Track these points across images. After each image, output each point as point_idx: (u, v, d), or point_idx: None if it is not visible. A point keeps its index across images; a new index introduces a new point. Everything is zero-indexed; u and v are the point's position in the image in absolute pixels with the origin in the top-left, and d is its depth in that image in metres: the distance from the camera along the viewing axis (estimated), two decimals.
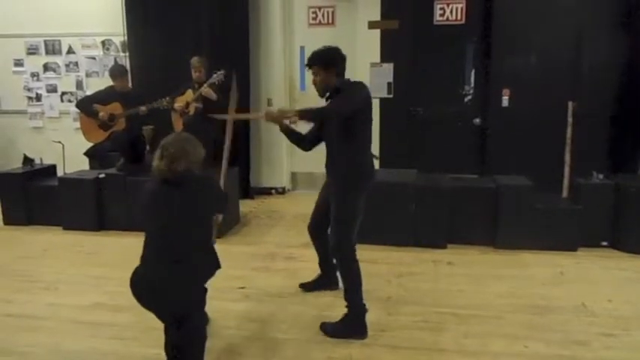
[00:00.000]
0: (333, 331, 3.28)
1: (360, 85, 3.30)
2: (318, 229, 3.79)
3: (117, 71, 5.75)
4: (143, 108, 5.49)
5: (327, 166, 3.45)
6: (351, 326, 3.27)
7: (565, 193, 5.32)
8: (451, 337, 3.24)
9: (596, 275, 4.22)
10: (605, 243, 4.77)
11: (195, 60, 5.67)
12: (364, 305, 3.30)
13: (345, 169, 3.29)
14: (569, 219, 4.71)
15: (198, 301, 2.78)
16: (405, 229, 4.67)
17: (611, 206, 4.72)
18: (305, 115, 3.25)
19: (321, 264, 3.91)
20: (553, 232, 4.69)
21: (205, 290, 2.82)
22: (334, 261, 3.52)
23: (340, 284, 3.48)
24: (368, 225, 4.70)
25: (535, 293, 3.85)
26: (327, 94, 3.31)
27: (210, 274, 2.81)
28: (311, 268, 4.36)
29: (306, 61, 3.35)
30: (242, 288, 3.99)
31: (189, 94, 5.59)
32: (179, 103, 5.61)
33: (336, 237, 3.32)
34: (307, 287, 3.94)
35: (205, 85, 5.41)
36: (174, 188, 2.72)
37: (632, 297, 3.80)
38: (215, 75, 5.48)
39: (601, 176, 4.85)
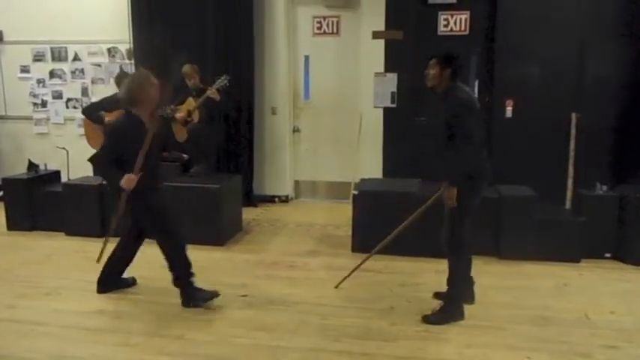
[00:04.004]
0: (437, 319, 3.52)
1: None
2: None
3: (119, 79, 5.79)
4: None
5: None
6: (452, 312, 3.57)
7: (568, 205, 5.32)
8: (454, 348, 3.24)
9: (599, 287, 4.21)
10: (608, 255, 4.76)
11: (187, 67, 5.69)
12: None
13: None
14: (573, 230, 4.71)
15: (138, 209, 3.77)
16: (408, 239, 4.66)
17: (615, 218, 4.72)
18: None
19: None
20: (556, 244, 4.69)
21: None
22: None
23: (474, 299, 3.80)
24: (370, 235, 4.74)
25: (538, 304, 3.84)
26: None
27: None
28: (313, 276, 4.37)
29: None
30: (244, 296, 3.99)
31: (190, 102, 5.61)
32: (181, 113, 5.62)
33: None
34: (441, 296, 3.86)
35: (211, 88, 5.45)
36: None
37: (635, 309, 3.79)
38: (219, 80, 5.51)
39: (604, 187, 4.85)
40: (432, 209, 3.92)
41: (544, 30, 5.92)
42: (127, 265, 4.11)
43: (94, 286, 4.17)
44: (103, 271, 4.05)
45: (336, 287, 4.13)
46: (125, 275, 4.16)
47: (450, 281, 3.64)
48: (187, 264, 3.79)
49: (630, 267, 4.63)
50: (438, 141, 3.61)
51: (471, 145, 3.38)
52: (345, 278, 4.15)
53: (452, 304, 3.58)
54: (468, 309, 3.65)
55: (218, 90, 5.49)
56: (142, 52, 6.79)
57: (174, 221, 3.85)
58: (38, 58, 7.31)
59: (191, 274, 3.80)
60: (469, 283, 3.80)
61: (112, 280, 4.08)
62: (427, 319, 3.55)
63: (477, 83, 6.40)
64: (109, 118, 5.63)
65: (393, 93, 6.49)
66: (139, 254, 4.10)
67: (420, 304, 3.84)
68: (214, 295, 3.78)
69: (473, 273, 3.76)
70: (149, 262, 4.79)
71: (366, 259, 4.18)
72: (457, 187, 3.43)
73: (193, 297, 3.77)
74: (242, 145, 6.69)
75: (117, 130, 3.74)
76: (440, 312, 3.58)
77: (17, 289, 4.17)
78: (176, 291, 4.04)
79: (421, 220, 4.05)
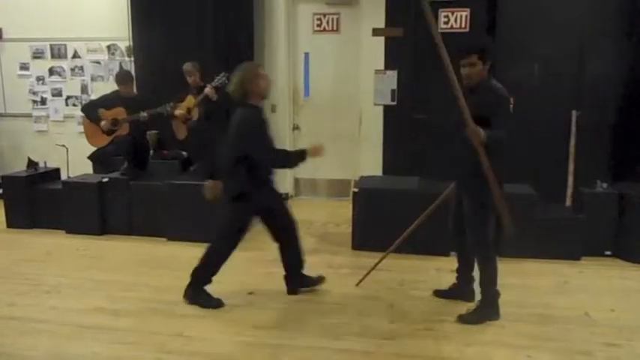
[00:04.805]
0: (472, 319, 3.48)
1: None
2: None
3: (122, 77, 5.78)
4: (144, 114, 5.50)
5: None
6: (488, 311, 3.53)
7: (568, 202, 5.31)
8: (454, 346, 3.23)
9: (599, 285, 4.21)
10: (608, 252, 4.76)
11: (188, 65, 5.68)
12: (498, 290, 3.53)
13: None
14: (573, 228, 4.70)
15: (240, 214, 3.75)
16: (408, 237, 4.67)
17: (615, 215, 4.72)
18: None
19: (459, 273, 3.86)
20: (556, 241, 4.68)
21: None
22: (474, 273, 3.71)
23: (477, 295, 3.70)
24: (370, 233, 4.74)
25: (538, 302, 3.84)
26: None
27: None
28: (313, 274, 4.35)
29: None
30: (251, 293, 3.98)
31: (190, 100, 5.61)
32: (180, 110, 5.62)
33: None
34: (441, 294, 3.89)
35: (210, 86, 5.43)
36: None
37: (635, 307, 3.79)
38: (218, 77, 5.50)
39: (605, 185, 4.85)
40: (442, 206, 3.90)
41: (544, 27, 5.89)
42: (300, 259, 4.04)
43: (94, 284, 4.19)
44: (286, 274, 4.04)
45: (357, 285, 4.14)
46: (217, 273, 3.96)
47: (482, 282, 3.56)
48: (216, 271, 3.79)
49: (630, 265, 4.62)
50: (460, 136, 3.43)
51: (504, 139, 3.27)
52: (366, 275, 4.15)
53: (487, 304, 3.53)
54: (466, 306, 3.66)
55: (217, 88, 5.48)
56: (141, 49, 6.78)
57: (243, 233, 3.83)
58: (37, 55, 7.30)
59: (210, 280, 3.80)
60: (469, 281, 3.79)
61: (296, 279, 4.03)
62: (462, 319, 3.52)
63: None
64: (104, 119, 5.60)
65: (393, 90, 6.47)
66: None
67: (420, 302, 3.84)
68: (219, 304, 3.77)
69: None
70: (148, 260, 4.80)
71: (385, 255, 4.15)
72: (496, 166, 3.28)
73: (199, 297, 3.77)
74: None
75: (257, 121, 3.63)
76: (475, 311, 3.55)
77: (17, 286, 4.17)
78: (175, 289, 4.04)
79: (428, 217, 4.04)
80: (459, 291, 3.83)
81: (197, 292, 3.78)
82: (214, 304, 3.75)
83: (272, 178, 3.81)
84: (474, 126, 3.17)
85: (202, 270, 3.78)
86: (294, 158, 3.75)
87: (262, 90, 3.65)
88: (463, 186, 3.58)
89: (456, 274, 3.87)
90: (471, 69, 3.35)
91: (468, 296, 3.77)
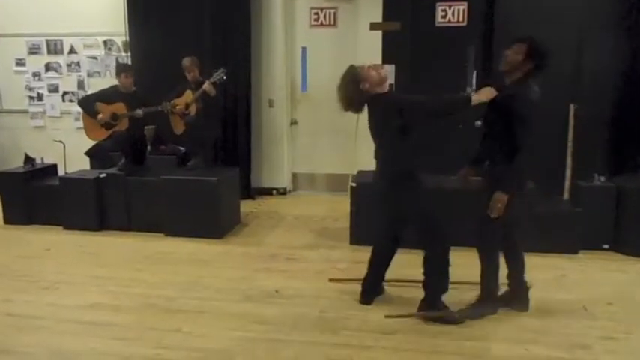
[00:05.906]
0: (470, 313, 3.48)
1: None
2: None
3: (123, 66, 5.77)
4: (139, 112, 5.47)
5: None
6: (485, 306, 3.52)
7: (566, 196, 5.31)
8: (452, 340, 3.24)
9: (597, 278, 4.21)
10: (606, 246, 4.76)
11: (186, 60, 5.65)
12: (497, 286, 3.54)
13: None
14: (571, 221, 4.71)
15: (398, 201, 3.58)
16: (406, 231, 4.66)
17: (612, 209, 4.72)
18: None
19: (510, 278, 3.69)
20: (554, 235, 4.68)
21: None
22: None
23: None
24: (369, 227, 4.73)
25: (536, 296, 3.82)
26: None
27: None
28: (311, 269, 4.36)
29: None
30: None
31: (188, 95, 5.58)
32: (179, 105, 5.60)
33: None
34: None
35: (208, 82, 5.40)
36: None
37: (633, 300, 3.80)
38: (216, 73, 5.48)
39: (602, 179, 4.85)
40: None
41: (543, 21, 5.88)
42: (386, 270, 3.86)
43: (92, 280, 4.18)
44: (366, 280, 3.83)
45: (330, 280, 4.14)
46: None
47: (482, 276, 3.53)
48: (446, 283, 3.49)
49: (628, 258, 4.63)
50: (491, 136, 3.47)
51: (528, 150, 3.21)
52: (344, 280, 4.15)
53: (485, 299, 3.53)
54: (465, 301, 3.66)
55: (215, 83, 5.45)
56: (138, 44, 6.75)
57: (441, 222, 3.56)
58: (34, 51, 7.27)
59: (444, 290, 3.51)
60: (522, 287, 3.65)
61: (375, 288, 3.86)
62: (460, 314, 3.51)
63: (475, 75, 6.36)
64: (102, 114, 5.56)
65: (390, 85, 6.44)
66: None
67: (417, 297, 3.83)
68: (455, 319, 3.45)
69: (470, 265, 3.72)
70: (146, 255, 4.80)
71: None
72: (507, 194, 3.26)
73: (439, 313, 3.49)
74: (239, 137, 6.67)
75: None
76: (473, 306, 3.55)
77: (15, 283, 4.16)
78: (174, 284, 4.05)
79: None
80: (512, 298, 3.64)
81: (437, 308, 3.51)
82: (452, 318, 3.46)
83: None
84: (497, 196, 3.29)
85: (430, 292, 3.54)
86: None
87: None
88: (491, 179, 3.48)
89: (507, 281, 3.69)
90: (509, 52, 3.30)
91: (522, 304, 3.61)
